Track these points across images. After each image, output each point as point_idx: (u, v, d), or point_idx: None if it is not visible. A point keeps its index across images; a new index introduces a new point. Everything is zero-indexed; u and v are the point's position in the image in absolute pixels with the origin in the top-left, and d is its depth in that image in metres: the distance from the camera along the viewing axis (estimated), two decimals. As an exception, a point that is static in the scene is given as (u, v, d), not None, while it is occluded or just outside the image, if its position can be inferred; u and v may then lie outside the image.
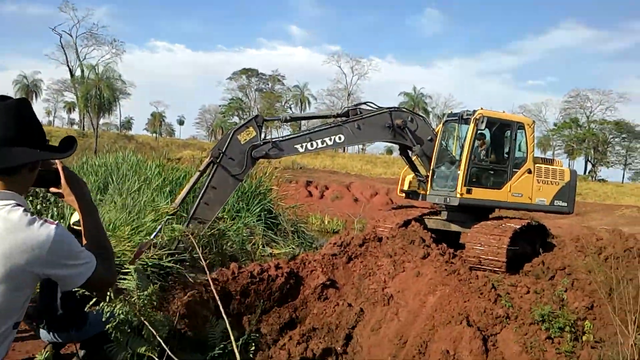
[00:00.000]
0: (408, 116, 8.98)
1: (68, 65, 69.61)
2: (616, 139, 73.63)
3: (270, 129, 62.07)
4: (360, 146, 78.34)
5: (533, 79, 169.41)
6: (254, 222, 10.18)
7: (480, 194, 9.26)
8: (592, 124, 74.33)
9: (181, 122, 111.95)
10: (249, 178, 10.80)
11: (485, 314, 6.12)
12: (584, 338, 5.99)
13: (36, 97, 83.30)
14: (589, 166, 74.12)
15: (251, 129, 7.28)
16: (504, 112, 10.35)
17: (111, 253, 2.12)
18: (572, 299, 6.68)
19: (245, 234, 9.45)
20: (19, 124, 1.85)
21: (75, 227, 4.74)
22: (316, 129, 8.15)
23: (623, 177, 74.41)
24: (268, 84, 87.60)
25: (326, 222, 18.25)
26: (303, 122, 56.02)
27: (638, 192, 45.46)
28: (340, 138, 8.11)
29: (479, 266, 8.15)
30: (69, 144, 2.05)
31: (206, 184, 7.00)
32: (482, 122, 9.05)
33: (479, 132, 9.34)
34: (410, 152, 9.65)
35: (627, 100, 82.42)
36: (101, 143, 45.41)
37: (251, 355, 4.37)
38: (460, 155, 9.38)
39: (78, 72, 66.48)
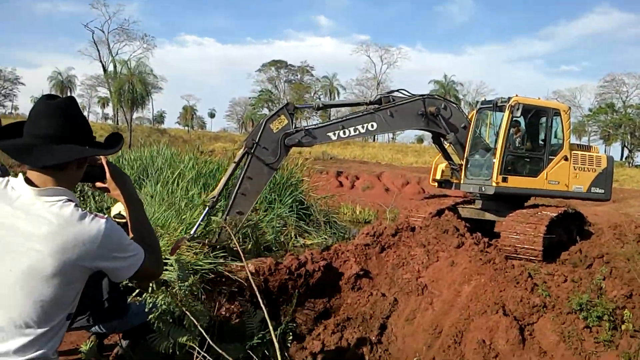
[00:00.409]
0: (441, 103, 8.85)
1: (101, 61, 71.04)
2: (653, 124, 71.32)
3: (300, 119, 62.17)
4: (391, 135, 78.15)
5: (566, 64, 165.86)
6: (286, 213, 10.25)
7: (516, 182, 9.11)
8: (628, 109, 72.15)
9: (212, 115, 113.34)
10: (281, 169, 10.87)
11: (521, 303, 6.07)
12: (623, 327, 5.88)
13: (70, 92, 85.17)
14: (626, 152, 72.18)
15: (283, 117, 7.27)
16: (539, 98, 10.16)
17: (157, 244, 2.18)
18: (610, 287, 6.56)
19: (278, 225, 9.54)
20: (67, 122, 1.93)
21: (116, 219, 4.86)
22: (349, 117, 8.10)
23: (661, 163, 72.30)
24: (297, 75, 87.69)
25: (358, 212, 18.23)
26: (332, 112, 56.08)
27: (678, 177, 44.01)
28: (372, 126, 8.06)
29: (515, 255, 8.06)
30: (115, 140, 2.12)
31: (242, 175, 7.03)
32: (518, 109, 8.89)
33: (514, 119, 9.18)
34: (443, 140, 9.56)
35: (664, 84, 79.51)
36: (135, 137, 46.20)
37: (289, 345, 4.43)
38: (496, 143, 9.23)
39: (111, 68, 67.79)
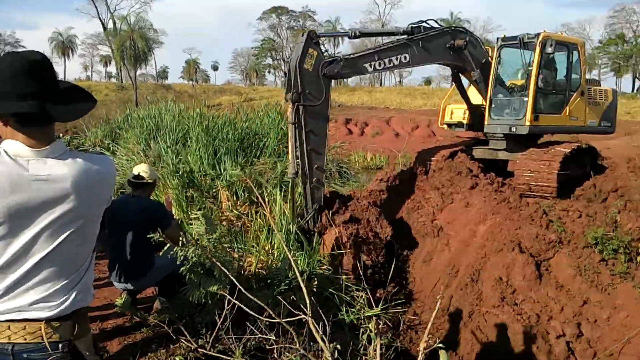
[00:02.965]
0: (467, 37, 8.45)
1: (100, 18, 69.89)
2: (665, 53, 69.65)
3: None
4: (398, 78, 77.00)
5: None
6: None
7: (546, 120, 8.99)
8: (639, 39, 70.41)
9: (215, 68, 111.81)
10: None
11: (537, 240, 6.15)
12: (639, 258, 5.98)
13: (72, 52, 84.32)
14: (637, 83, 70.94)
15: (311, 50, 6.67)
16: (562, 33, 9.96)
17: None
18: (625, 220, 6.62)
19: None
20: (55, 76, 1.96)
21: (134, 180, 4.92)
22: (382, 47, 7.70)
23: (674, 93, 71.11)
24: (299, 22, 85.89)
25: (369, 159, 18.28)
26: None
27: (690, 107, 43.33)
28: (405, 58, 7.66)
29: (529, 193, 8.09)
30: (83, 90, 2.07)
31: (304, 132, 6.60)
32: (551, 45, 8.61)
33: (545, 55, 8.91)
34: (465, 77, 9.28)
35: (677, 11, 76.98)
36: (141, 94, 46.03)
37: (314, 289, 4.56)
38: (527, 81, 8.97)
39: (110, 25, 66.82)
